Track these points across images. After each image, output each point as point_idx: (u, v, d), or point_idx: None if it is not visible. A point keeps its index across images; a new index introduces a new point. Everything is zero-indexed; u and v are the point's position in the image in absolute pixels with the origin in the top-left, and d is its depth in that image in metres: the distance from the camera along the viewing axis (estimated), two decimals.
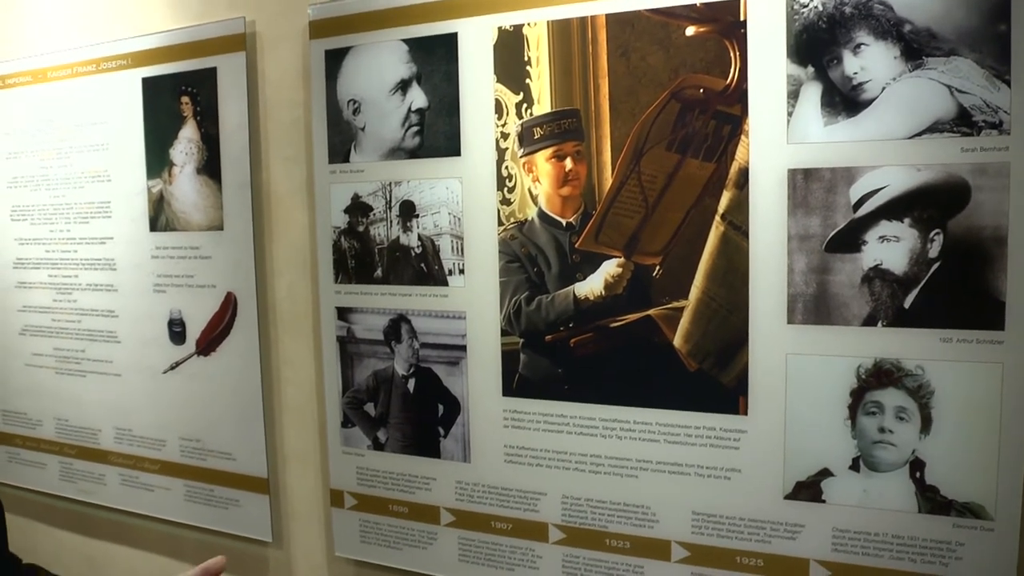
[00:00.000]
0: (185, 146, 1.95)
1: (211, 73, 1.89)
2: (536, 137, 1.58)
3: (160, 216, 2.02)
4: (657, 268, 1.51)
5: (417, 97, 1.69)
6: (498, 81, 1.61)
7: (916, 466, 1.37)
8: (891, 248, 1.34)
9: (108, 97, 2.05)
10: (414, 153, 1.71)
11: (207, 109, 1.91)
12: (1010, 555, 1.32)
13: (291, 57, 1.83)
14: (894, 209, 1.34)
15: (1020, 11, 1.24)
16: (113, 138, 2.04)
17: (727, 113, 1.43)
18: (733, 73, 1.42)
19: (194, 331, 2.00)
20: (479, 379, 1.69)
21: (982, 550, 1.33)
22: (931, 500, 1.36)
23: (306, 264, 1.87)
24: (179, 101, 1.94)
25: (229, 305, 1.95)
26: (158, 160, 2.00)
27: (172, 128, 1.96)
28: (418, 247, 1.73)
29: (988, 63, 1.26)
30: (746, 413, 1.47)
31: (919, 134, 1.31)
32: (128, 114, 2.02)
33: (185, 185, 1.97)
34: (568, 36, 1.54)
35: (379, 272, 1.78)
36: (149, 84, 1.99)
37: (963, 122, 1.28)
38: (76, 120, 2.08)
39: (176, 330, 2.02)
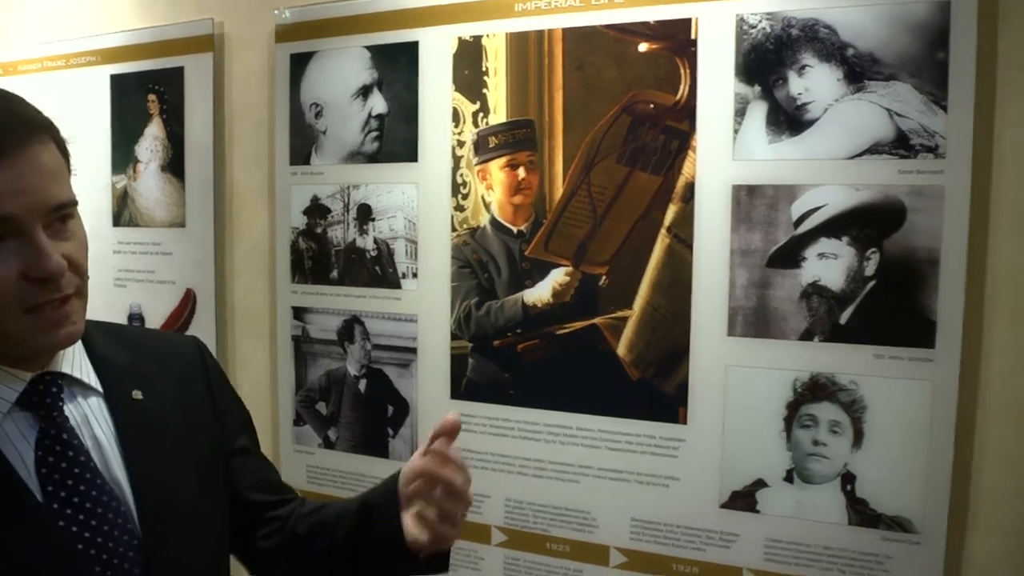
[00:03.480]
0: (151, 143, 1.89)
1: (178, 72, 1.84)
2: (491, 146, 1.54)
3: (123, 211, 1.95)
4: (604, 277, 1.47)
5: (377, 103, 1.65)
6: (456, 90, 1.57)
7: (847, 479, 1.33)
8: (829, 265, 1.32)
9: (76, 92, 1.98)
10: (373, 157, 1.66)
11: (173, 108, 1.85)
12: (936, 569, 1.29)
13: (257, 59, 1.78)
14: (833, 227, 1.31)
15: (958, 40, 1.22)
16: (80, 133, 1.97)
17: (676, 128, 1.40)
18: (683, 89, 1.39)
19: (153, 326, 1.93)
20: (428, 381, 1.64)
21: (909, 563, 1.30)
22: (861, 513, 1.33)
23: (265, 263, 1.82)
24: (146, 99, 1.88)
25: (188, 301, 1.89)
26: (123, 156, 1.93)
27: (138, 125, 1.90)
28: (373, 250, 1.68)
29: (927, 88, 1.24)
30: (685, 422, 1.43)
31: (859, 155, 1.28)
32: (96, 110, 1.95)
33: (149, 182, 1.91)
34: (525, 48, 1.50)
35: (335, 273, 1.72)
36: (117, 81, 1.92)
37: (901, 145, 1.26)
38: (50, 114, 2.01)
39: (135, 324, 1.95)
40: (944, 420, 1.27)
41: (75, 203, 0.86)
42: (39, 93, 2.02)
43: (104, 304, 1.98)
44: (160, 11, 1.90)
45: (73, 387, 0.92)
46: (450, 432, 0.95)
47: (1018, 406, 1.25)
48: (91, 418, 0.93)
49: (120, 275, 1.97)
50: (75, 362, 0.93)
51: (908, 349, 1.28)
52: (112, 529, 0.89)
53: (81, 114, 1.98)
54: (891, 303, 1.28)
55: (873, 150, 1.28)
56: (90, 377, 0.94)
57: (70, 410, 0.92)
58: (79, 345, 0.94)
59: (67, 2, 2.06)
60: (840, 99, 1.29)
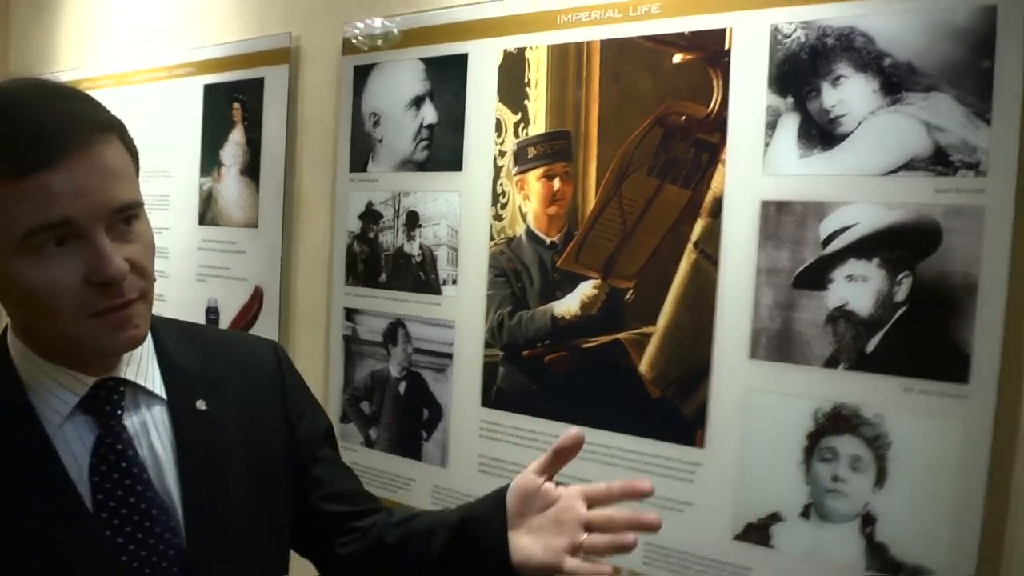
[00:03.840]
0: (233, 148, 2.00)
1: (259, 83, 1.94)
2: (530, 156, 1.53)
3: (208, 211, 2.08)
4: (630, 292, 1.43)
5: (428, 113, 1.67)
6: (500, 101, 1.57)
7: (867, 520, 1.22)
8: (858, 288, 1.22)
9: (176, 101, 2.13)
10: (422, 166, 1.69)
11: (253, 116, 1.95)
12: None
13: (326, 71, 1.85)
14: (863, 248, 1.22)
15: (1005, 46, 1.11)
16: (176, 138, 2.12)
17: (706, 141, 1.34)
18: (715, 101, 1.34)
19: (226, 320, 2.03)
20: (461, 388, 1.64)
21: None
22: (880, 559, 1.21)
23: (324, 265, 1.88)
24: (231, 107, 2.00)
25: (257, 298, 1.98)
26: (210, 160, 2.06)
27: (224, 131, 2.02)
28: (419, 256, 1.70)
29: (969, 100, 1.13)
30: (703, 446, 1.36)
31: (893, 171, 1.19)
32: (190, 117, 2.09)
33: (230, 184, 2.02)
34: (565, 60, 1.49)
35: (384, 277, 1.76)
36: (209, 90, 2.05)
37: (939, 161, 1.16)
38: (149, 120, 2.16)
39: (211, 318, 2.06)
40: (976, 464, 1.14)
41: (140, 204, 0.83)
42: (146, 101, 2.19)
43: (187, 298, 2.11)
44: (249, 25, 2.01)
45: (137, 394, 0.90)
46: (573, 448, 0.90)
47: None
48: (151, 427, 0.91)
49: (202, 271, 2.09)
50: (141, 367, 0.91)
51: (939, 384, 1.16)
52: (157, 543, 0.87)
53: (178, 120, 2.12)
54: (923, 332, 1.17)
55: (909, 166, 1.18)
56: (155, 384, 0.92)
57: (130, 418, 0.89)
58: (149, 347, 0.93)
59: (170, 18, 2.23)
60: (875, 112, 1.20)
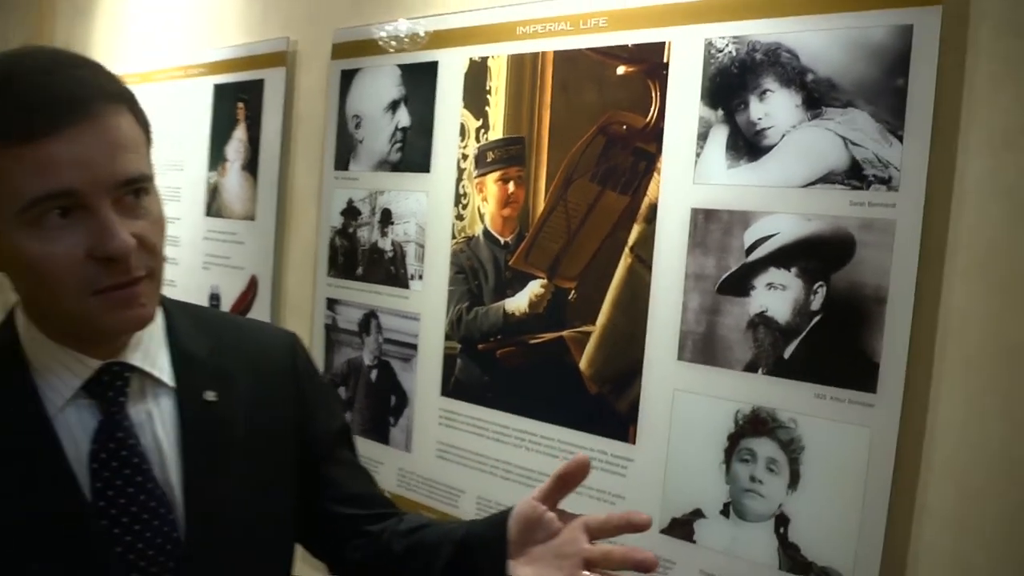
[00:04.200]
0: (236, 145, 2.08)
1: (260, 84, 2.01)
2: (488, 160, 1.57)
3: (213, 203, 2.16)
4: (573, 292, 1.45)
5: (403, 116, 1.72)
6: (464, 107, 1.61)
7: (781, 521, 1.23)
8: (777, 296, 1.22)
9: (190, 99, 2.21)
10: (396, 166, 1.74)
11: (254, 115, 2.03)
12: None
13: (318, 74, 1.91)
14: (782, 257, 1.22)
15: (919, 65, 1.10)
16: (190, 133, 2.21)
17: (644, 150, 1.36)
18: (653, 112, 1.35)
19: (225, 307, 2.11)
20: (424, 377, 1.69)
21: None
22: (792, 558, 1.22)
23: (311, 257, 1.94)
24: (236, 106, 2.07)
25: (252, 287, 2.05)
26: (217, 155, 2.14)
27: (229, 128, 2.10)
28: (390, 251, 1.75)
29: (883, 116, 1.13)
30: (634, 442, 1.38)
31: (812, 183, 1.19)
32: (201, 114, 2.18)
33: (233, 178, 2.09)
34: (522, 69, 1.52)
35: (360, 270, 1.81)
36: (218, 90, 2.13)
37: (854, 175, 1.15)
38: (167, 116, 2.25)
39: (214, 304, 2.14)
40: (881, 471, 1.14)
41: (149, 178, 0.78)
42: (165, 98, 2.28)
43: (193, 284, 2.20)
44: (253, 29, 2.09)
45: (144, 380, 0.85)
46: (577, 473, 0.85)
47: (964, 463, 1.10)
48: (155, 417, 0.86)
49: (207, 259, 2.17)
50: (149, 353, 0.86)
51: (849, 391, 1.16)
52: (155, 536, 0.82)
53: (192, 117, 2.21)
54: (835, 341, 1.17)
55: (827, 179, 1.18)
56: (163, 371, 0.87)
57: (135, 406, 0.85)
58: (160, 333, 0.88)
59: (187, 21, 2.32)
60: (797, 125, 1.20)
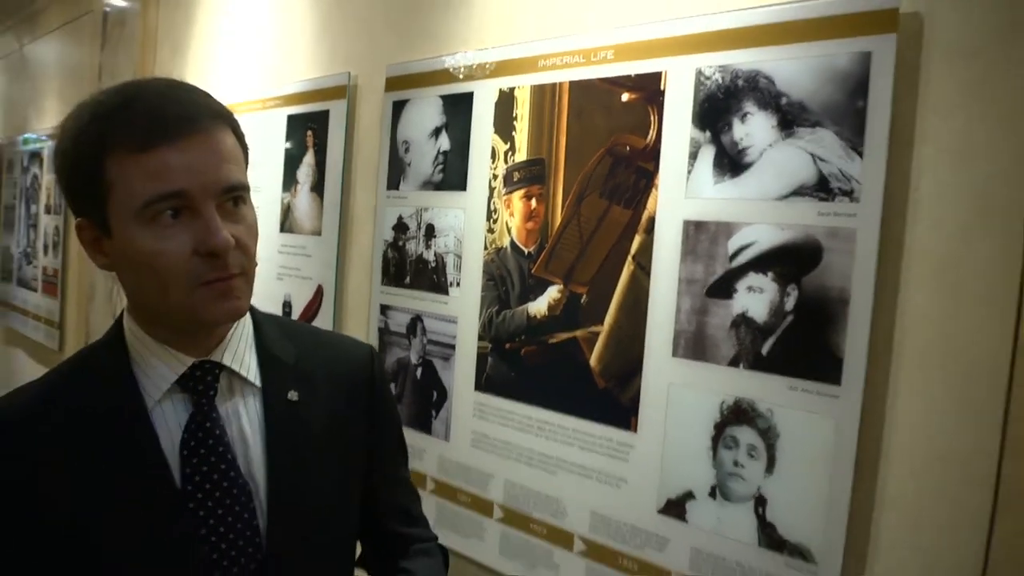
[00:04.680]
0: (306, 169, 2.29)
1: (326, 114, 2.21)
2: (515, 180, 1.71)
3: (286, 221, 2.38)
4: (584, 296, 1.58)
5: (444, 142, 1.88)
6: (495, 132, 1.76)
7: (760, 502, 1.32)
8: (756, 298, 1.32)
9: (267, 128, 2.44)
10: (438, 186, 1.90)
11: (321, 142, 2.23)
12: None
13: (374, 105, 2.10)
14: (761, 263, 1.32)
15: (876, 88, 1.19)
16: (267, 159, 2.43)
17: (644, 168, 1.48)
18: (652, 134, 1.47)
19: (295, 312, 2.32)
20: (461, 374, 1.84)
21: None
22: (769, 536, 1.30)
23: (367, 267, 2.12)
24: (306, 134, 2.29)
25: (319, 295, 2.25)
26: (290, 178, 2.36)
27: (300, 154, 2.31)
28: (433, 262, 1.91)
29: (846, 135, 1.22)
30: (636, 431, 1.49)
31: (786, 196, 1.29)
32: (277, 141, 2.40)
33: (303, 198, 2.31)
34: (543, 98, 1.66)
35: (408, 279, 1.98)
36: (291, 120, 2.35)
37: (822, 188, 1.25)
38: (249, 143, 2.49)
39: (286, 311, 2.35)
40: (845, 457, 1.22)
41: (247, 187, 0.86)
42: (246, 128, 2.51)
43: (268, 293, 2.42)
44: (321, 65, 2.30)
45: (232, 379, 0.92)
46: None
47: (920, 452, 1.17)
48: (242, 412, 0.91)
49: (280, 271, 2.39)
50: (238, 354, 0.92)
51: (817, 384, 1.25)
52: (236, 522, 0.87)
53: (269, 144, 2.44)
54: (805, 338, 1.26)
55: (798, 192, 1.27)
56: (250, 371, 0.93)
57: (224, 401, 0.90)
58: (249, 337, 0.94)
59: (264, 58, 2.57)
60: (773, 144, 1.30)
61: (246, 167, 0.89)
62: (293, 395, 0.94)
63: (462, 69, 1.82)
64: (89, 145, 0.82)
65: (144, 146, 0.79)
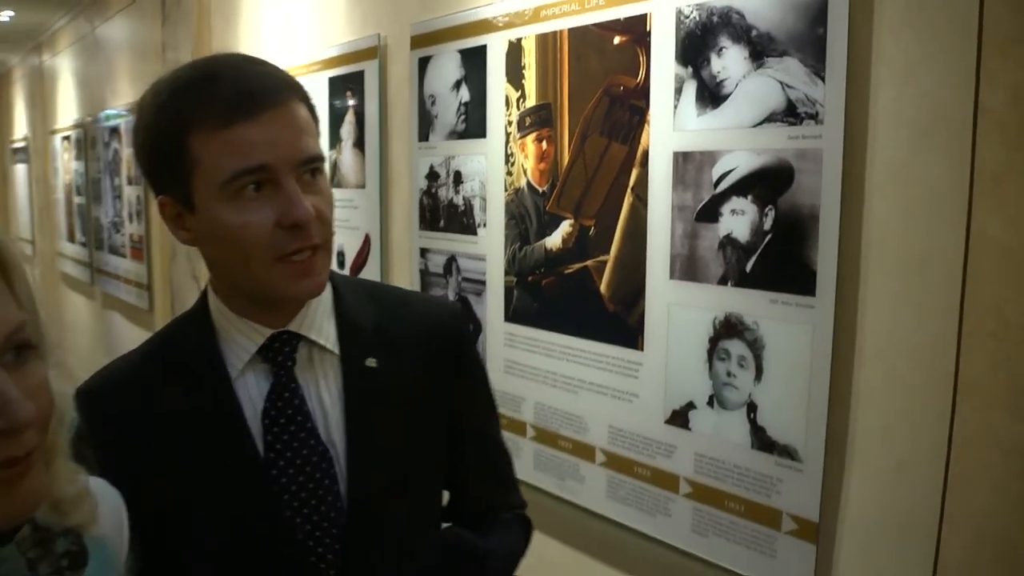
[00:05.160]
0: (348, 127, 2.48)
1: (361, 75, 2.38)
2: (526, 124, 1.85)
3: (334, 177, 2.58)
4: (592, 228, 1.71)
5: (464, 93, 2.03)
6: (507, 81, 1.89)
7: (751, 408, 1.45)
8: (739, 220, 1.44)
9: (312, 91, 2.62)
10: (462, 135, 2.05)
11: (359, 101, 2.41)
12: (815, 493, 1.36)
13: (402, 63, 2.26)
14: (741, 187, 1.43)
15: (834, 17, 1.27)
16: None
17: (637, 106, 1.59)
18: (641, 73, 1.58)
19: (348, 261, 2.54)
20: (491, 307, 2.01)
21: (795, 487, 1.39)
22: (760, 439, 1.44)
23: (407, 215, 2.31)
24: (346, 94, 2.47)
25: (367, 244, 2.46)
26: (335, 136, 2.55)
27: (342, 113, 2.50)
28: (463, 205, 2.08)
29: (809, 62, 1.31)
30: (643, 349, 1.63)
31: (759, 123, 1.38)
32: (320, 103, 2.58)
33: (347, 155, 2.50)
34: (546, 46, 1.78)
35: (442, 223, 2.15)
36: (332, 82, 2.54)
37: (790, 113, 1.34)
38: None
39: (340, 261, 2.57)
40: (822, 362, 1.33)
41: (323, 158, 0.87)
42: None
43: None
44: (354, 28, 2.47)
45: (311, 348, 0.93)
46: None
47: (887, 351, 1.28)
48: (320, 380, 0.93)
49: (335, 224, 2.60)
50: (316, 322, 0.93)
51: (795, 296, 1.36)
52: (317, 488, 0.89)
53: (316, 107, 2.63)
54: (783, 254, 1.37)
55: (770, 119, 1.37)
56: (329, 339, 0.94)
57: (303, 369, 0.92)
58: (328, 304, 0.95)
59: (306, 25, 2.75)
60: (747, 75, 1.40)
61: (318, 137, 0.90)
62: (371, 362, 0.95)
63: (528, 12, 1.93)
64: (171, 123, 0.84)
65: (227, 122, 0.81)
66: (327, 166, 2.56)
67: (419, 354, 0.99)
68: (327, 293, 0.97)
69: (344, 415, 0.93)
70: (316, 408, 0.93)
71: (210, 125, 0.82)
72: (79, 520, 0.74)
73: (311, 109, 0.90)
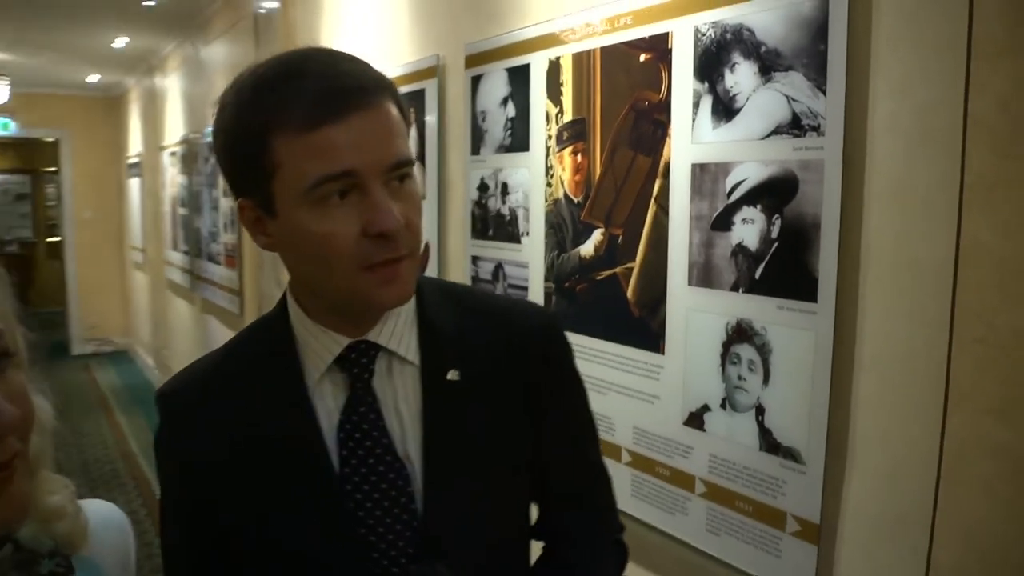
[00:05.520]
0: (410, 142, 2.65)
1: (422, 93, 2.55)
2: (564, 138, 1.96)
3: None
4: (620, 237, 1.81)
5: (511, 109, 2.16)
6: (548, 97, 2.01)
7: (759, 411, 1.51)
8: (749, 229, 1.50)
9: None
10: (509, 149, 2.18)
11: (420, 117, 2.58)
12: (816, 495, 1.41)
13: (457, 81, 2.41)
14: (751, 197, 1.50)
15: (834, 33, 1.34)
16: None
17: (659, 120, 1.68)
18: (664, 89, 1.67)
19: None
20: None
21: (798, 488, 1.44)
22: (768, 441, 1.49)
23: (461, 224, 2.45)
24: (409, 111, 2.64)
25: (427, 251, 2.61)
26: None
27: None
28: (509, 215, 2.20)
29: (812, 76, 1.37)
30: (664, 353, 1.71)
31: (767, 136, 1.45)
32: None
33: None
34: (581, 64, 1.89)
35: (491, 232, 2.28)
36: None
37: (795, 125, 1.41)
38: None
39: None
40: (823, 367, 1.38)
41: (412, 162, 0.83)
42: None
43: None
44: (417, 49, 2.64)
45: (391, 359, 0.89)
46: None
47: (883, 357, 1.32)
48: (399, 392, 0.89)
49: None
50: (396, 331, 0.89)
51: (799, 302, 1.42)
52: (392, 506, 0.86)
53: None
54: (788, 261, 1.43)
55: (777, 131, 1.44)
56: (409, 350, 0.90)
57: (381, 381, 0.88)
58: (410, 312, 0.90)
59: (377, 46, 2.93)
60: (756, 89, 1.47)
61: (409, 139, 0.85)
62: (454, 374, 0.90)
63: (598, 25, 2.06)
64: (252, 124, 0.80)
65: (312, 124, 0.77)
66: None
67: (506, 366, 0.93)
68: (410, 301, 0.91)
69: (423, 431, 0.89)
70: (393, 422, 0.89)
71: (294, 127, 0.77)
72: (64, 532, 0.71)
73: (402, 109, 0.85)
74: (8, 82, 6.60)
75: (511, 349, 0.94)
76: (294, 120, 0.77)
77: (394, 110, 0.83)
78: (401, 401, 0.89)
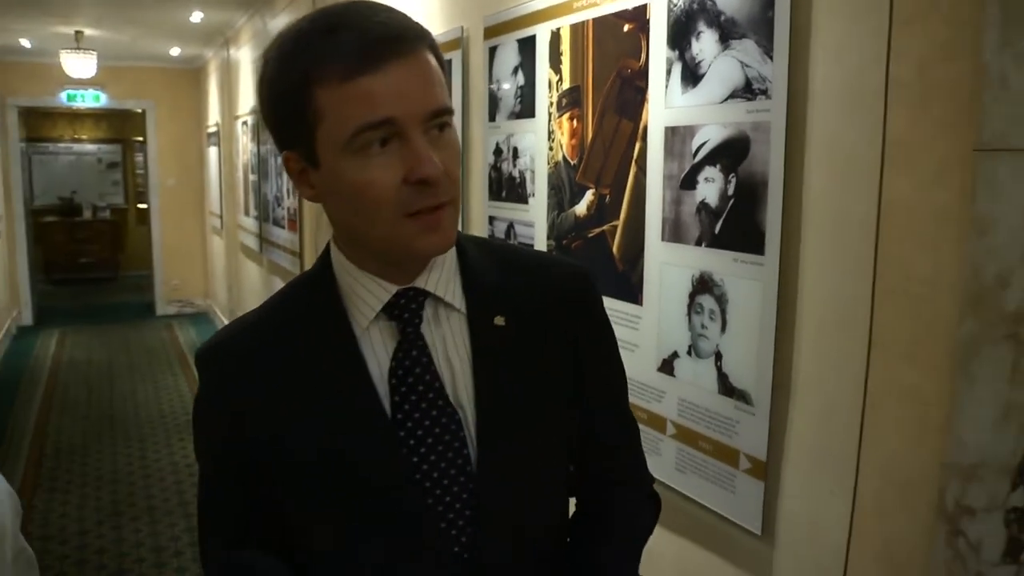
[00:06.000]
0: None
1: (448, 63, 2.72)
2: (563, 104, 2.10)
3: None
4: (608, 196, 1.95)
5: (520, 78, 2.31)
6: (549, 67, 2.15)
7: (718, 357, 1.64)
8: (710, 187, 1.63)
9: None
10: (518, 115, 2.34)
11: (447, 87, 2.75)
12: (763, 434, 1.54)
13: (477, 52, 2.57)
14: (712, 157, 1.62)
15: (780, 1, 1.44)
16: None
17: (639, 86, 1.81)
18: (643, 57, 1.79)
19: None
20: None
21: (749, 428, 1.57)
22: (724, 384, 1.63)
23: (480, 186, 2.62)
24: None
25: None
26: None
27: None
28: (518, 178, 2.36)
29: (762, 43, 1.48)
30: (642, 304, 1.86)
31: (725, 100, 1.57)
32: None
33: None
34: (577, 34, 2.02)
35: (504, 193, 2.45)
36: None
37: (748, 90, 1.52)
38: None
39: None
40: (769, 315, 1.51)
41: (451, 111, 0.83)
42: None
43: None
44: (444, 21, 2.81)
45: (437, 305, 0.90)
46: None
47: (818, 307, 1.44)
48: (448, 339, 0.90)
49: None
50: (442, 280, 0.90)
51: (750, 255, 1.54)
52: (446, 451, 0.87)
53: None
54: (742, 218, 1.56)
55: (733, 95, 1.55)
56: (455, 297, 0.91)
57: (429, 328, 0.89)
58: (453, 262, 0.92)
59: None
60: (717, 56, 1.58)
61: (447, 88, 0.86)
62: (500, 320, 0.92)
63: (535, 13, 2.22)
64: (293, 77, 0.81)
65: (351, 74, 0.78)
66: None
67: (546, 316, 0.96)
68: (452, 251, 0.93)
69: (473, 376, 0.91)
70: (444, 368, 0.90)
71: (334, 78, 0.79)
72: None
73: (440, 59, 0.86)
74: (95, 56, 7.06)
75: (551, 300, 0.97)
76: (334, 71, 0.79)
77: (432, 59, 0.84)
78: (451, 347, 0.91)
